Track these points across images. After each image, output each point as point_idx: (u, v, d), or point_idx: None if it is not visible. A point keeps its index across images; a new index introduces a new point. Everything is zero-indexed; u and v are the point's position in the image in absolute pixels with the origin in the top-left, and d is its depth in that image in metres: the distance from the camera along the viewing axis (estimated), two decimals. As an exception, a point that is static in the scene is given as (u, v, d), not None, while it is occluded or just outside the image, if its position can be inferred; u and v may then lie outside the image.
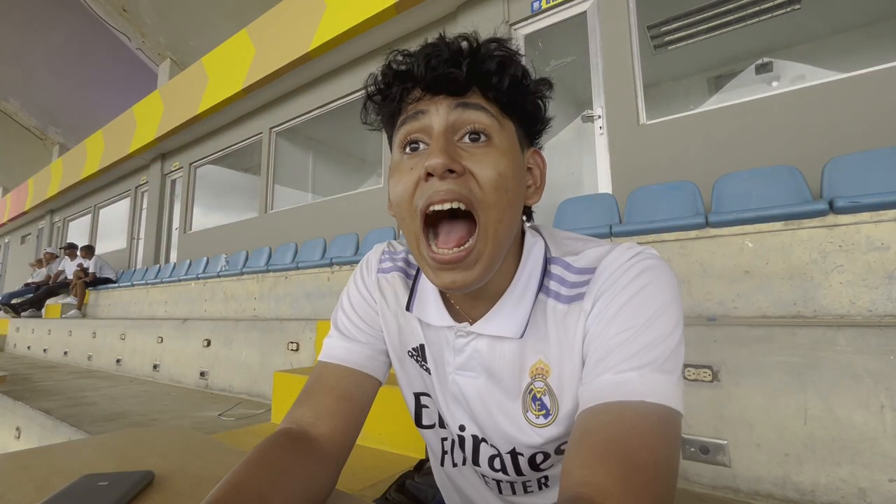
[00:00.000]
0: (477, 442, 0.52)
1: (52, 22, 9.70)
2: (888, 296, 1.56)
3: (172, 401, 2.77)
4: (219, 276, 4.54)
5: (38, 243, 11.53)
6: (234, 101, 5.72)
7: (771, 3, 3.64)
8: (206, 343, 3.22)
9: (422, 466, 0.97)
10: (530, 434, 0.48)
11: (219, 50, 6.01)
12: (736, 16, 3.85)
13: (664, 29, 4.20)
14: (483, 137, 0.44)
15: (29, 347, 6.04)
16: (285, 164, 5.95)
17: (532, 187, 0.51)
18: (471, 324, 0.50)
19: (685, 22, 4.08)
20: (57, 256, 8.06)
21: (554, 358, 0.47)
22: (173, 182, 7.56)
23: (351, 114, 5.38)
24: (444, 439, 0.57)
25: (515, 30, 3.80)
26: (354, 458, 1.58)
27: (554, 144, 4.24)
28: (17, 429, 2.58)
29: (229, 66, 5.69)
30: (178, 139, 6.99)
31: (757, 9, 3.70)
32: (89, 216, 9.86)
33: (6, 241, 13.66)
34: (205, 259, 5.54)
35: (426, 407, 0.57)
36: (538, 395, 0.48)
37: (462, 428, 0.53)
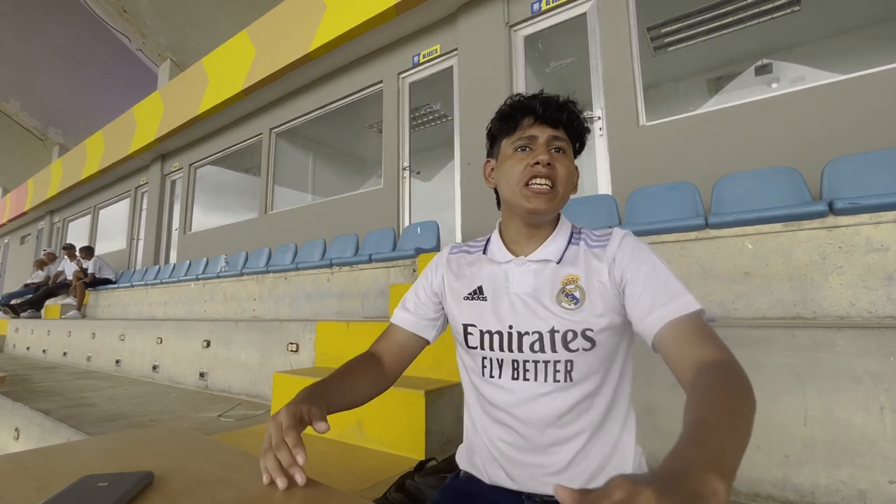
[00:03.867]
0: (520, 335, 0.74)
1: (52, 23, 9.71)
2: (888, 297, 1.56)
3: (172, 401, 2.77)
4: (218, 277, 4.54)
5: (37, 244, 11.53)
6: (234, 102, 5.73)
7: (770, 5, 3.65)
8: (205, 344, 3.22)
9: (422, 467, 0.97)
10: (563, 315, 0.72)
11: (219, 51, 6.02)
12: (736, 17, 3.86)
13: (664, 30, 4.20)
14: (562, 151, 0.78)
15: (28, 348, 6.03)
16: (285, 164, 5.95)
17: (576, 181, 0.85)
18: (525, 257, 0.80)
19: (685, 23, 4.08)
20: (57, 257, 8.06)
21: (582, 274, 0.75)
22: (173, 183, 7.56)
23: (351, 115, 5.39)
24: (484, 358, 0.78)
25: (515, 31, 3.80)
26: (355, 459, 1.58)
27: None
28: (17, 430, 2.58)
29: (229, 67, 5.70)
30: (178, 140, 6.99)
31: (756, 10, 3.71)
32: (89, 217, 9.87)
33: (6, 241, 13.65)
34: (204, 260, 5.53)
35: (471, 334, 0.79)
36: (570, 292, 0.74)
37: (511, 327, 0.75)
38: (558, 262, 0.77)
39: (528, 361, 0.74)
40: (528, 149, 0.78)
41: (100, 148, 8.49)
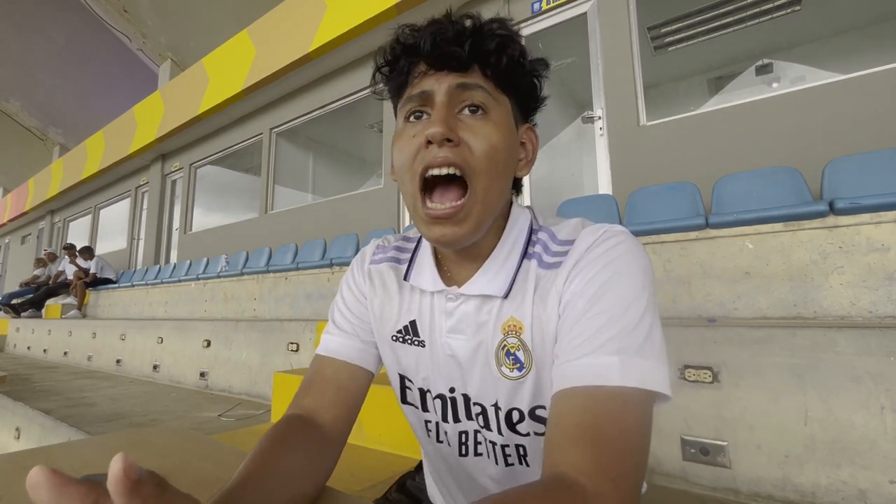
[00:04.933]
0: (466, 400, 0.55)
1: (52, 22, 9.71)
2: (888, 297, 1.56)
3: (172, 401, 2.77)
4: (219, 277, 4.54)
5: (38, 244, 11.53)
6: (234, 102, 5.73)
7: (771, 5, 3.64)
8: (206, 344, 3.22)
9: (422, 467, 0.97)
10: (506, 387, 0.51)
11: (219, 50, 6.01)
12: (736, 17, 3.86)
13: (664, 30, 4.20)
14: (480, 111, 0.48)
15: (29, 348, 6.04)
16: (285, 164, 5.95)
17: (523, 160, 0.55)
18: (458, 287, 0.54)
19: (685, 23, 4.08)
20: (57, 256, 8.06)
21: (527, 317, 0.49)
22: (174, 182, 7.56)
23: (351, 115, 5.38)
24: (427, 421, 0.60)
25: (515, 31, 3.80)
26: (355, 459, 1.58)
27: (554, 145, 4.24)
28: (17, 429, 2.58)
29: (230, 67, 5.70)
30: (178, 140, 6.99)
31: (757, 10, 3.71)
32: (89, 217, 9.87)
33: (6, 241, 13.66)
34: (205, 260, 5.54)
35: (409, 389, 0.60)
36: (511, 350, 0.50)
37: (452, 390, 0.56)
38: (505, 297, 0.51)
39: (478, 432, 0.56)
40: (423, 115, 0.49)
41: (100, 148, 8.49)
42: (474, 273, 0.53)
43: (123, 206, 8.83)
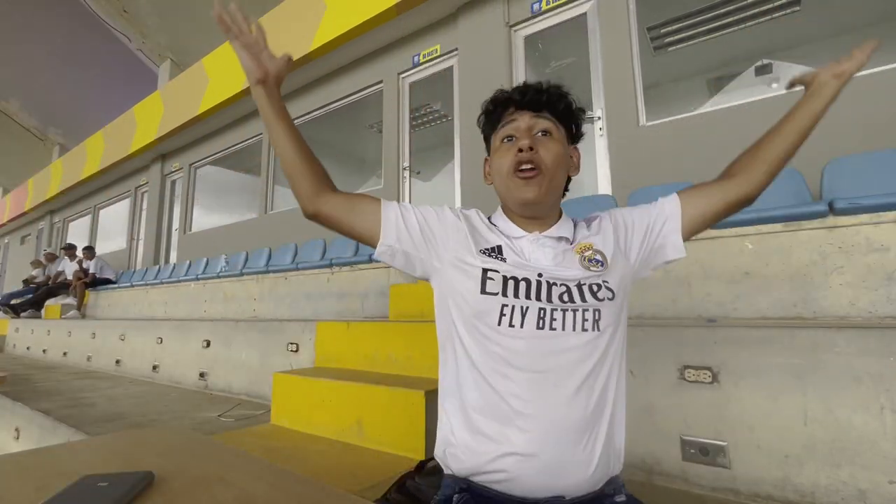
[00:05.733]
0: (549, 285, 0.74)
1: (52, 23, 9.71)
2: (888, 297, 1.56)
3: (172, 402, 2.77)
4: (218, 277, 4.54)
5: (38, 244, 11.53)
6: (234, 102, 5.73)
7: (771, 5, 3.64)
8: (205, 344, 3.22)
9: (422, 467, 0.96)
10: (590, 271, 0.77)
11: (219, 50, 6.01)
12: (736, 17, 3.85)
13: (664, 30, 4.20)
14: (548, 134, 0.80)
15: (28, 348, 6.03)
16: (285, 164, 5.94)
17: (573, 167, 0.87)
18: (540, 233, 0.82)
19: (685, 23, 4.08)
20: (57, 257, 8.06)
21: (593, 239, 0.81)
22: (173, 183, 7.56)
23: (351, 115, 5.39)
24: (504, 305, 0.73)
25: (515, 31, 3.80)
26: (355, 459, 1.58)
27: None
28: (17, 429, 2.58)
29: (230, 67, 5.70)
30: (178, 140, 6.99)
31: (756, 10, 3.71)
32: (89, 217, 9.87)
33: (6, 241, 13.65)
34: (204, 260, 5.54)
35: (491, 279, 0.75)
36: (591, 257, 0.78)
37: (540, 275, 0.75)
38: (572, 243, 0.80)
39: (555, 310, 0.72)
40: (513, 138, 0.80)
41: (100, 148, 8.49)
42: (547, 229, 0.82)
43: (123, 207, 8.83)
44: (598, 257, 0.78)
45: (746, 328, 1.31)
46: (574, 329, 0.72)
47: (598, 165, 3.29)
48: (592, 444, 0.70)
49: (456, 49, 4.08)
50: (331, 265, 3.47)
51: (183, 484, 0.51)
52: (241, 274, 4.26)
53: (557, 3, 3.55)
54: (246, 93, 5.46)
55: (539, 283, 0.74)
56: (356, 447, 1.68)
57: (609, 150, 3.22)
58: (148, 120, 7.23)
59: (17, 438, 2.56)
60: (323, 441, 1.75)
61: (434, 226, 0.83)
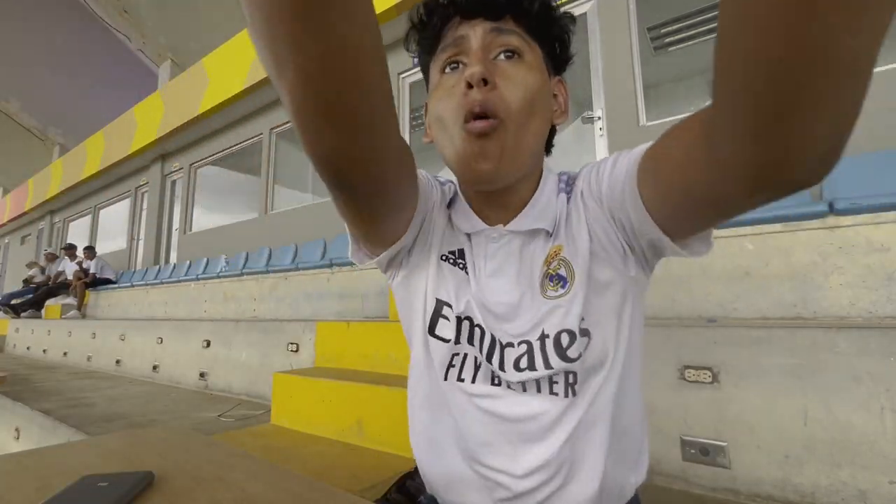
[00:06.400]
0: (502, 348, 0.51)
1: (52, 22, 9.72)
2: (888, 297, 1.56)
3: (172, 402, 2.77)
4: (218, 277, 4.54)
5: (38, 244, 11.53)
6: (234, 102, 5.73)
7: (771, 5, 3.64)
8: (205, 344, 3.22)
9: (422, 467, 0.95)
10: (551, 308, 0.50)
11: (219, 50, 6.01)
12: (736, 17, 3.85)
13: (664, 30, 4.20)
14: (515, 56, 0.48)
15: (28, 348, 6.03)
16: (285, 164, 5.95)
17: (557, 111, 0.56)
18: (504, 226, 0.54)
19: (685, 23, 4.08)
20: (57, 257, 8.06)
21: (564, 240, 0.52)
22: (173, 183, 7.56)
23: (351, 115, 5.38)
24: (454, 355, 0.54)
25: (515, 31, 3.80)
26: (355, 459, 1.58)
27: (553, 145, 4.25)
28: (17, 429, 2.58)
29: (230, 67, 5.70)
30: (178, 140, 6.99)
31: (757, 10, 3.71)
32: (89, 217, 9.87)
33: (6, 241, 13.65)
34: (205, 260, 5.54)
35: (444, 318, 0.54)
36: (553, 273, 0.51)
37: (493, 328, 0.53)
38: (551, 234, 0.52)
39: (511, 383, 0.51)
40: (459, 64, 0.50)
41: (100, 148, 8.49)
42: (515, 215, 0.54)
43: (123, 207, 8.83)
44: (563, 272, 0.51)
45: (746, 328, 1.31)
46: (539, 392, 0.50)
47: (598, 165, 3.29)
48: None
49: (456, 49, 4.08)
50: (331, 265, 3.47)
51: (183, 484, 0.51)
52: (242, 274, 4.26)
53: (557, 3, 3.54)
54: (246, 92, 5.46)
55: (492, 341, 0.51)
56: (356, 447, 1.69)
57: (609, 150, 3.21)
58: (148, 120, 7.23)
59: (18, 438, 2.56)
60: (323, 441, 1.75)
61: (422, 186, 0.57)
